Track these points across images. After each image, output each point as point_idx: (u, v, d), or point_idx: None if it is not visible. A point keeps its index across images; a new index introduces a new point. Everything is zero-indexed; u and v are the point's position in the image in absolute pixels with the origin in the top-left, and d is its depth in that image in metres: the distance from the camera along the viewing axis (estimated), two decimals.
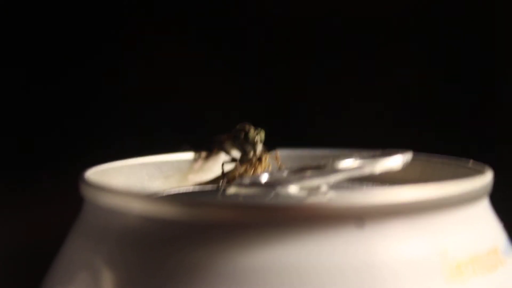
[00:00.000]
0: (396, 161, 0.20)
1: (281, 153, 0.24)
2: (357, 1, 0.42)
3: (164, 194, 0.22)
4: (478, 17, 0.42)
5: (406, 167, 0.21)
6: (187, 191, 0.23)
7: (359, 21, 0.43)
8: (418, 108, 0.43)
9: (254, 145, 0.22)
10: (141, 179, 0.24)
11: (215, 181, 0.24)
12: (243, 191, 0.20)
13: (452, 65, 0.43)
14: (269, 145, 0.23)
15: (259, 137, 0.22)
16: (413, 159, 0.21)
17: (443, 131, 0.42)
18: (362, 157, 0.20)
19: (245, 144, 0.23)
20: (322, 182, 0.19)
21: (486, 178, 0.18)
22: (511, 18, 0.42)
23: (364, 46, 0.43)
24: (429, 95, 0.43)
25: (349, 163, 0.20)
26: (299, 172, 0.21)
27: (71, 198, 0.20)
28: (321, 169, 0.20)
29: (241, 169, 0.23)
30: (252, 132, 0.22)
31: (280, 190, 0.19)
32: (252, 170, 0.23)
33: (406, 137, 0.40)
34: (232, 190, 0.20)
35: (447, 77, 0.43)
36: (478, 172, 0.19)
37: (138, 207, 0.17)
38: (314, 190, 0.20)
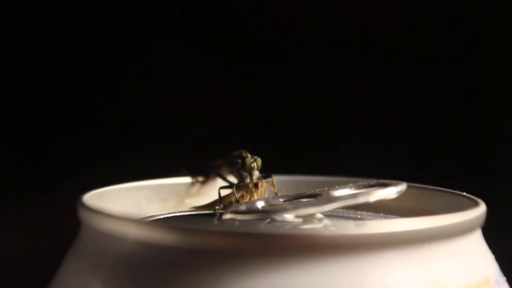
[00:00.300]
0: (390, 192, 0.20)
1: (278, 179, 0.24)
2: (359, 36, 0.43)
3: (160, 219, 0.23)
4: (480, 53, 0.43)
5: (401, 196, 0.21)
6: (183, 215, 0.24)
7: (360, 55, 0.43)
8: (415, 140, 0.43)
9: (250, 171, 0.23)
10: (138, 202, 0.24)
11: (211, 205, 0.24)
12: (239, 217, 0.20)
13: (451, 97, 0.43)
14: (266, 171, 0.23)
15: (255, 164, 0.23)
16: (407, 189, 0.21)
17: (438, 162, 0.42)
18: (357, 186, 0.21)
19: (241, 170, 0.23)
20: (317, 210, 0.20)
21: (479, 211, 0.18)
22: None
23: (363, 75, 0.43)
24: (427, 128, 0.43)
25: (344, 192, 0.20)
26: (295, 200, 0.21)
27: (69, 219, 0.20)
28: (316, 197, 0.20)
29: (238, 195, 0.23)
30: (249, 159, 0.23)
31: (276, 217, 0.20)
32: (249, 196, 0.23)
33: (403, 167, 0.41)
34: (228, 215, 0.20)
35: (445, 110, 0.43)
36: (472, 204, 0.20)
37: (134, 232, 0.17)
38: (309, 218, 0.20)
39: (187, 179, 0.25)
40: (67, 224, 0.20)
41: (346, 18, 0.44)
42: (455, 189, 0.22)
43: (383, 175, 0.23)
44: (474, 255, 0.18)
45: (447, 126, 0.44)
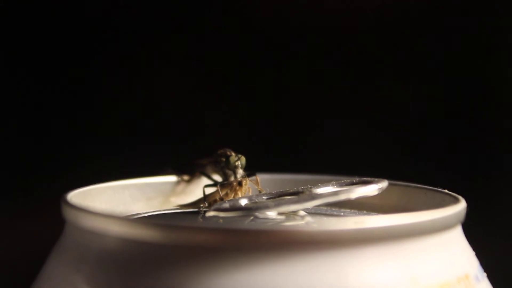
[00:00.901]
0: (372, 189, 0.20)
1: (262, 178, 0.24)
2: (350, 36, 0.43)
3: (145, 217, 0.23)
4: (478, 48, 0.43)
5: (384, 194, 0.21)
6: (168, 213, 0.24)
7: (349, 55, 0.43)
8: (399, 137, 0.44)
9: (234, 170, 0.23)
10: (123, 200, 0.24)
11: (196, 204, 0.24)
12: (223, 214, 0.20)
13: (435, 95, 0.44)
14: (250, 169, 0.24)
15: (239, 162, 0.23)
16: (390, 186, 0.22)
17: (422, 160, 0.43)
18: (339, 184, 0.21)
19: (226, 169, 0.23)
20: (299, 208, 0.20)
21: (458, 207, 0.19)
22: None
23: (348, 75, 0.43)
24: (410, 125, 0.44)
25: (326, 190, 0.21)
26: (278, 197, 0.21)
27: (53, 218, 0.20)
28: (299, 194, 0.21)
29: (222, 193, 0.23)
30: (233, 157, 0.23)
31: (259, 214, 0.20)
32: (233, 194, 0.23)
33: (386, 165, 0.41)
34: (212, 213, 0.20)
35: (428, 109, 0.44)
36: (452, 201, 0.20)
37: (117, 229, 0.17)
38: (292, 215, 0.20)
39: (172, 178, 0.25)
40: (53, 224, 0.20)
41: (341, 18, 0.44)
42: (437, 187, 0.22)
43: (370, 174, 0.23)
44: (454, 251, 0.18)
45: (434, 127, 0.44)
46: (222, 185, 0.23)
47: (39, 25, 0.42)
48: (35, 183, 0.41)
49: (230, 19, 0.44)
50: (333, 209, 0.23)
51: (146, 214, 0.23)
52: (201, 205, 0.23)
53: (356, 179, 0.21)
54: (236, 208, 0.20)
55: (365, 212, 0.23)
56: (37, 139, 0.42)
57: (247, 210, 0.20)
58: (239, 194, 0.23)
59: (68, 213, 0.19)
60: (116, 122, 0.42)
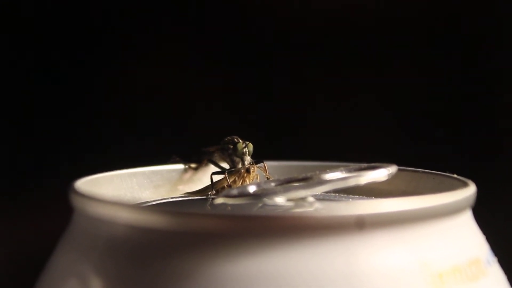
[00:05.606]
0: (381, 174, 0.20)
1: (269, 165, 0.24)
2: (350, 26, 0.43)
3: (152, 204, 0.23)
4: (479, 36, 0.43)
5: (392, 179, 0.21)
6: (176, 200, 0.24)
7: (355, 43, 0.43)
8: (406, 122, 0.43)
9: (242, 157, 0.23)
10: (131, 189, 0.24)
11: (204, 191, 0.24)
12: (231, 201, 0.20)
13: (442, 79, 0.44)
14: (257, 157, 0.24)
15: (247, 149, 0.23)
16: (399, 172, 0.21)
17: (429, 145, 0.43)
18: (348, 170, 0.21)
19: (233, 156, 0.23)
20: (308, 193, 0.20)
21: (468, 191, 0.19)
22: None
23: (353, 60, 0.43)
24: (417, 110, 0.43)
25: (335, 175, 0.20)
26: (286, 184, 0.21)
27: (61, 207, 0.20)
28: (307, 180, 0.20)
29: (230, 180, 0.23)
30: (240, 144, 0.23)
31: (267, 200, 0.20)
32: (241, 181, 0.23)
33: (394, 151, 0.41)
34: (220, 200, 0.20)
35: (435, 93, 0.44)
36: (462, 185, 0.20)
37: (126, 216, 0.17)
38: (301, 202, 0.20)
39: (179, 166, 0.25)
40: (60, 213, 0.20)
41: (340, 9, 0.44)
42: (446, 172, 0.22)
43: (377, 160, 0.23)
44: (464, 235, 0.18)
45: (438, 110, 0.44)
46: (230, 172, 0.23)
47: (40, 23, 0.42)
48: (42, 174, 0.41)
49: (230, 13, 0.44)
50: (342, 195, 0.23)
51: (154, 202, 0.23)
52: (209, 193, 0.23)
53: (365, 164, 0.21)
54: (244, 194, 0.20)
55: (373, 198, 0.23)
56: (42, 130, 0.42)
57: (256, 197, 0.20)
58: (247, 181, 0.23)
59: (76, 201, 0.19)
60: (122, 111, 0.42)
